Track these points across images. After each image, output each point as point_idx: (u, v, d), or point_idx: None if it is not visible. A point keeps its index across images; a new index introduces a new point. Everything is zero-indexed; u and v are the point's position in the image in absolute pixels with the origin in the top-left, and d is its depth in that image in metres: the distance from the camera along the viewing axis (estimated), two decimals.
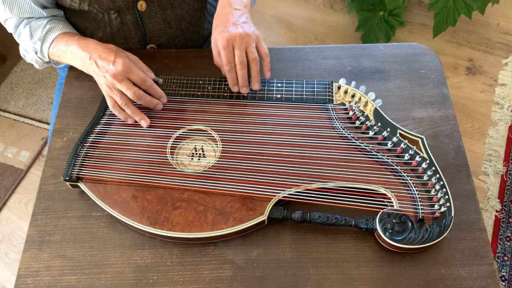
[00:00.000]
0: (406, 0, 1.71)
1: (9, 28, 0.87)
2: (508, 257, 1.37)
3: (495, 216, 1.44)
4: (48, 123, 1.67)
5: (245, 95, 0.83)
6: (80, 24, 0.89)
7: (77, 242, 0.74)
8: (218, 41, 0.79)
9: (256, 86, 0.81)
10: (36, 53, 0.86)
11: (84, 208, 0.77)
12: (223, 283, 0.70)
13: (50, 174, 0.81)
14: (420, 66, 0.92)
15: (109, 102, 0.79)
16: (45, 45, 0.84)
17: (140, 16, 0.90)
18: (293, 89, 0.83)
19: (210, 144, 0.79)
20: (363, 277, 0.70)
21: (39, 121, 1.68)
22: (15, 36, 0.88)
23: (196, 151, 0.78)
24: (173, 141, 0.78)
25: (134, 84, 0.77)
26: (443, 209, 0.70)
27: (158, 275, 0.71)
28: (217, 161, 0.75)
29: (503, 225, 1.42)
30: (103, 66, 0.77)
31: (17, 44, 0.91)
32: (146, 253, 0.73)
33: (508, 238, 1.40)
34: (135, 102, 0.79)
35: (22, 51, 0.90)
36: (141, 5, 0.88)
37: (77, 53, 0.81)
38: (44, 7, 0.85)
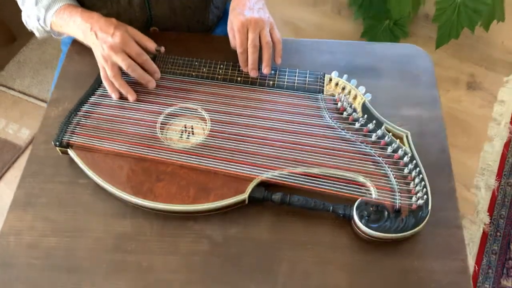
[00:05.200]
0: (412, 12, 1.73)
1: None
2: (492, 271, 1.37)
3: (483, 229, 1.45)
4: None
5: (238, 79, 0.85)
6: (87, 1, 0.91)
7: (62, 206, 0.76)
8: (233, 23, 0.82)
9: (266, 70, 0.83)
10: (39, 20, 0.88)
11: (72, 175, 0.79)
12: (199, 256, 0.72)
13: (43, 140, 0.83)
14: (413, 67, 0.93)
15: (102, 74, 0.82)
16: (49, 13, 0.87)
17: (147, 0, 0.92)
18: (286, 77, 0.85)
19: (199, 123, 0.81)
20: (337, 262, 0.71)
21: (42, 100, 1.71)
22: (19, 2, 0.91)
23: (185, 128, 0.80)
24: (164, 117, 0.80)
25: (131, 58, 0.79)
26: (420, 201, 0.71)
27: (137, 244, 0.73)
28: (205, 139, 0.77)
29: (490, 238, 1.43)
30: (102, 37, 0.79)
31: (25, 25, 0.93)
32: (127, 222, 0.75)
33: (494, 251, 1.40)
34: (129, 77, 0.81)
35: (24, 17, 0.93)
36: None
37: (80, 24, 0.83)
38: None
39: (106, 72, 0.81)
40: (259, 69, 0.84)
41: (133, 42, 0.79)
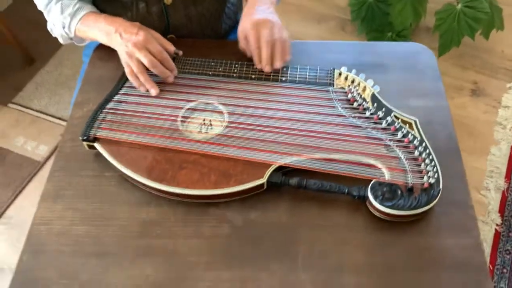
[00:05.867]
0: (414, 23, 1.80)
1: (40, 4, 0.97)
2: (507, 270, 1.38)
3: (495, 229, 1.46)
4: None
5: (252, 76, 0.90)
6: (108, 10, 0.98)
7: (88, 197, 0.80)
8: (246, 24, 0.88)
9: (278, 63, 0.88)
10: (64, 27, 0.95)
11: (97, 169, 0.83)
12: (221, 239, 0.75)
13: (69, 138, 0.88)
14: (418, 62, 0.98)
15: (126, 70, 0.87)
16: (74, 20, 0.93)
17: (165, 9, 0.99)
18: (297, 73, 0.90)
19: (217, 116, 0.85)
20: (354, 241, 0.74)
21: (60, 118, 1.77)
22: (45, 12, 0.97)
23: (204, 121, 0.84)
24: (185, 112, 0.85)
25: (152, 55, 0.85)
26: (431, 180, 0.74)
27: (162, 229, 0.76)
28: (224, 130, 0.82)
29: (503, 238, 1.44)
30: (126, 37, 0.85)
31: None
32: (152, 210, 0.78)
33: (508, 252, 1.41)
34: (150, 73, 0.87)
35: (50, 26, 0.99)
36: None
37: (104, 27, 0.89)
38: None
39: (131, 68, 0.86)
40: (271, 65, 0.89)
41: (155, 41, 0.86)
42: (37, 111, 1.80)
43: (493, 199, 1.51)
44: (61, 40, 1.02)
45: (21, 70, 1.93)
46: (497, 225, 1.47)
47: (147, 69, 0.87)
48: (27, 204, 1.55)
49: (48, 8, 0.96)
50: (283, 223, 0.76)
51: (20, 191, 1.58)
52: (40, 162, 1.65)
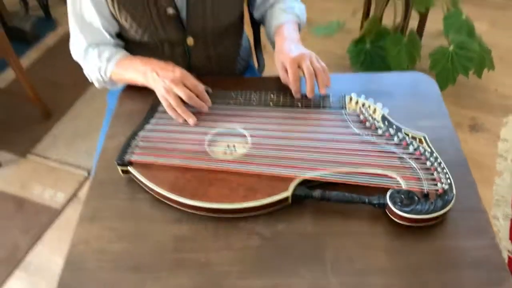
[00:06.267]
0: (410, 66, 1.92)
1: (78, 51, 1.07)
2: None
3: (508, 256, 1.48)
4: (85, 169, 1.82)
5: (270, 104, 0.98)
6: (136, 53, 1.07)
7: (124, 218, 0.85)
8: (284, 60, 0.97)
9: (323, 91, 0.96)
10: (100, 71, 1.04)
11: (130, 192, 0.89)
12: (251, 250, 0.79)
13: (103, 166, 0.94)
14: (420, 88, 1.07)
15: (164, 103, 0.95)
16: (110, 64, 1.03)
17: (188, 50, 1.09)
18: (312, 99, 0.98)
19: (241, 139, 0.92)
20: (377, 247, 0.78)
21: (76, 167, 1.84)
22: (81, 58, 1.07)
23: (229, 145, 0.91)
24: (211, 136, 0.92)
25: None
26: (445, 186, 0.80)
27: (194, 244, 0.80)
28: (248, 151, 0.88)
29: None
30: (163, 74, 0.94)
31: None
32: (184, 226, 0.83)
33: None
34: (185, 104, 0.95)
35: (86, 71, 1.09)
36: (190, 41, 1.08)
37: (139, 67, 0.99)
38: (111, 36, 1.05)
39: (169, 102, 0.94)
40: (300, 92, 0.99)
41: (191, 76, 0.94)
42: (54, 161, 1.87)
43: (502, 227, 1.55)
44: (96, 84, 1.11)
45: (39, 123, 2.02)
46: (508, 251, 1.49)
47: (183, 102, 0.95)
48: (45, 251, 1.57)
49: (86, 54, 1.06)
50: (309, 233, 0.81)
51: (39, 238, 1.61)
52: (58, 210, 1.69)
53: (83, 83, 2.18)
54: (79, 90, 2.16)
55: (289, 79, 0.97)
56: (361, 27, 2.13)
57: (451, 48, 1.74)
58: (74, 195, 1.74)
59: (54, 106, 2.07)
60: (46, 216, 1.67)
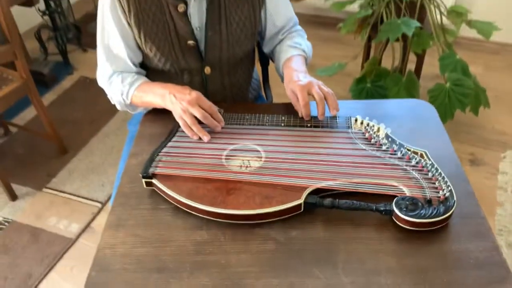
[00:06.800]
0: None
1: (104, 77, 1.16)
2: None
3: None
4: (98, 201, 1.88)
5: (282, 124, 1.06)
6: (158, 80, 1.17)
7: (147, 226, 0.91)
8: (294, 88, 1.06)
9: (334, 111, 1.05)
10: (122, 94, 1.13)
11: (153, 203, 0.95)
12: (267, 253, 0.84)
13: (127, 181, 1.01)
14: (421, 113, 1.15)
15: (181, 123, 1.03)
16: (132, 88, 1.12)
17: (205, 78, 1.19)
18: (320, 121, 1.07)
19: (256, 154, 0.99)
20: (385, 250, 0.84)
21: (90, 199, 1.90)
22: (106, 84, 1.17)
23: (244, 161, 0.98)
24: (228, 152, 1.00)
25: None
26: (446, 194, 0.87)
27: (213, 248, 0.86)
28: (263, 164, 0.96)
29: None
30: (180, 96, 1.03)
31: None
32: (204, 232, 0.89)
33: None
34: (201, 123, 1.03)
35: (110, 94, 1.18)
36: (207, 70, 1.18)
37: (158, 91, 1.08)
38: (134, 65, 1.15)
39: (185, 121, 1.02)
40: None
41: (205, 99, 1.03)
42: (69, 193, 1.93)
43: (507, 255, 1.58)
44: (118, 107, 1.20)
45: (55, 159, 2.10)
46: None
47: (198, 121, 1.03)
48: (58, 279, 1.60)
49: (110, 80, 1.16)
50: (321, 238, 0.86)
51: (52, 267, 1.64)
52: (72, 239, 1.73)
53: (97, 122, 2.31)
54: (93, 129, 2.27)
55: (299, 105, 1.06)
56: (362, 69, 2.26)
57: (447, 85, 1.85)
58: (88, 226, 1.79)
59: (70, 143, 2.16)
60: (60, 246, 1.71)
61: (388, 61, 2.11)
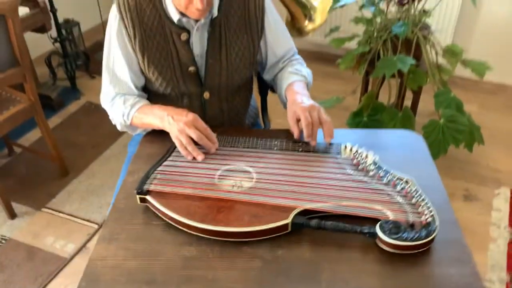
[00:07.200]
0: None
1: (107, 99, 1.22)
2: None
3: None
4: (95, 223, 1.91)
5: (274, 148, 1.10)
6: (158, 103, 1.23)
7: (139, 240, 0.94)
8: (297, 109, 1.11)
9: (329, 139, 1.09)
10: (123, 115, 1.19)
11: (146, 219, 0.99)
12: (254, 271, 0.87)
13: (122, 197, 1.05)
14: (409, 143, 1.19)
15: (177, 143, 1.08)
16: (133, 110, 1.18)
17: (204, 103, 1.25)
18: (311, 146, 1.11)
19: (247, 175, 1.03)
20: (369, 271, 0.86)
21: (88, 220, 1.92)
22: (108, 105, 1.23)
23: (236, 182, 1.02)
24: (221, 172, 1.03)
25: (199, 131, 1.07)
26: (429, 219, 0.90)
27: (201, 263, 0.89)
28: (254, 184, 0.99)
29: None
30: (178, 118, 1.08)
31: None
32: (193, 248, 0.91)
33: None
34: (196, 144, 1.08)
35: (111, 115, 1.24)
36: (206, 95, 1.24)
37: (158, 113, 1.13)
38: (136, 88, 1.21)
39: (181, 141, 1.07)
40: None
41: (201, 121, 1.08)
42: (67, 214, 1.96)
43: None
44: (118, 127, 1.25)
45: (56, 180, 2.15)
46: None
47: (194, 142, 1.08)
48: None
49: (113, 102, 1.22)
50: (307, 257, 0.89)
51: (46, 285, 1.65)
52: (67, 259, 1.75)
53: (100, 146, 2.36)
54: (95, 152, 2.32)
55: (297, 128, 1.11)
56: (359, 103, 2.32)
57: (441, 121, 1.89)
58: (83, 246, 1.81)
59: (72, 165, 2.21)
60: (55, 265, 1.73)
61: (386, 97, 2.17)
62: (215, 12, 1.15)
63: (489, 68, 2.00)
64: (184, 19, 1.14)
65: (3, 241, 1.85)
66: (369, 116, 2.08)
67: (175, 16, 1.14)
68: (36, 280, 1.67)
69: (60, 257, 1.76)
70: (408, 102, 2.30)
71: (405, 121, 2.03)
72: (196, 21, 1.14)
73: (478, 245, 1.75)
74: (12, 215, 1.96)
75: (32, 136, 2.43)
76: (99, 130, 2.46)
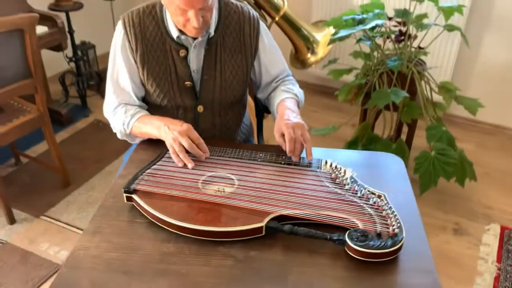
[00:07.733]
0: None
1: (109, 108, 1.31)
2: None
3: None
4: None
5: (258, 160, 1.17)
6: (156, 114, 1.31)
7: (122, 235, 1.00)
8: (282, 125, 1.17)
9: (310, 157, 1.15)
10: (123, 124, 1.27)
11: (131, 216, 1.04)
12: (226, 268, 0.92)
13: (111, 196, 1.11)
14: (389, 165, 1.25)
15: (170, 150, 1.16)
16: (133, 119, 1.26)
17: (197, 116, 1.33)
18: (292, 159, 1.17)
19: (229, 181, 1.09)
20: (335, 275, 0.90)
21: (83, 230, 1.97)
22: (110, 114, 1.31)
23: (219, 189, 1.08)
24: (205, 178, 1.10)
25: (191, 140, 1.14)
26: (396, 230, 0.94)
27: (177, 259, 0.94)
28: (235, 190, 1.05)
29: None
30: (173, 127, 1.16)
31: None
32: (171, 245, 0.97)
33: None
34: (188, 153, 1.15)
35: (113, 124, 1.31)
36: (200, 108, 1.32)
37: (155, 123, 1.21)
38: (137, 98, 1.30)
39: (174, 148, 1.14)
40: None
41: (194, 131, 1.16)
42: (64, 223, 2.02)
43: None
44: (119, 135, 1.33)
45: (57, 190, 2.22)
46: None
47: (186, 151, 1.15)
48: None
49: (115, 111, 1.30)
50: (277, 260, 0.94)
51: None
52: (59, 265, 1.79)
53: (103, 161, 2.44)
54: (98, 167, 2.39)
55: (282, 142, 1.17)
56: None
57: (433, 153, 1.94)
58: None
59: (74, 177, 2.28)
60: (47, 270, 1.77)
61: (383, 129, 2.23)
62: (212, 32, 1.25)
63: (481, 105, 2.06)
64: (183, 37, 1.24)
65: (0, 244, 1.91)
66: (363, 146, 2.13)
67: (174, 33, 1.23)
68: (27, 283, 1.72)
69: (52, 263, 1.81)
70: (404, 136, 2.35)
71: (399, 153, 2.07)
72: (194, 39, 1.24)
73: (465, 278, 1.76)
74: (12, 220, 2.02)
75: (39, 148, 2.52)
76: (104, 147, 2.54)
